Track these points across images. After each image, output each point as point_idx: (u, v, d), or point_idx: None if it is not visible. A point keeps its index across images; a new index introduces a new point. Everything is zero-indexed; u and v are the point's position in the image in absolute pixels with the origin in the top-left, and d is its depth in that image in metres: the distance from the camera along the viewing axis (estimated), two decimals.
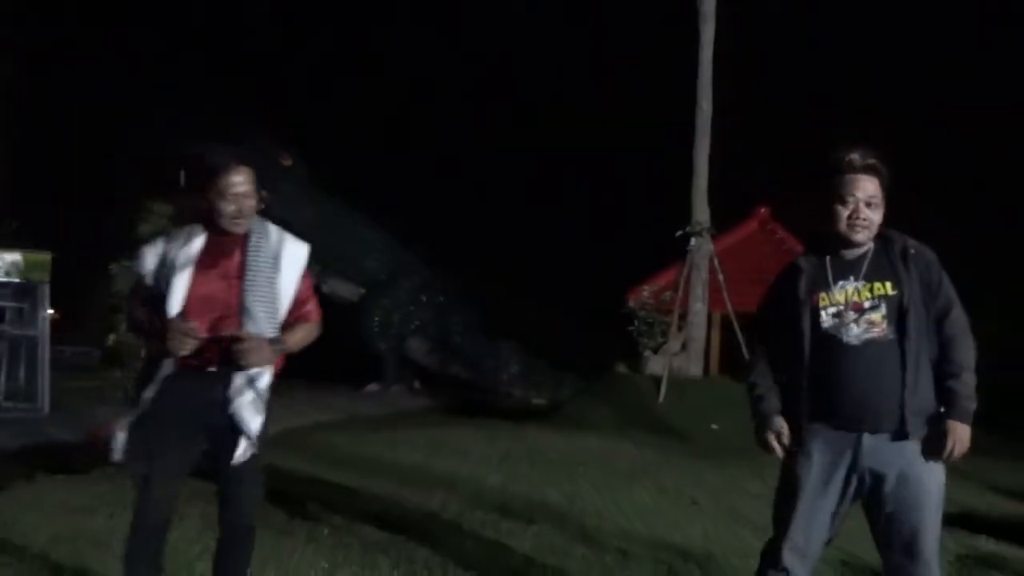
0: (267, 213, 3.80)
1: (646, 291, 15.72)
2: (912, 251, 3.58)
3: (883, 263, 3.59)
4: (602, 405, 12.98)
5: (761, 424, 3.68)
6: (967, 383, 3.50)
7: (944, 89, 26.00)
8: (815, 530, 3.61)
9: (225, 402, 3.61)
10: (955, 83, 26.07)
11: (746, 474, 8.89)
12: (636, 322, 14.60)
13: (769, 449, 3.64)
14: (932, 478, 3.52)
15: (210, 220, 3.71)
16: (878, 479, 3.51)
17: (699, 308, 14.25)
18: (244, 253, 3.72)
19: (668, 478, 8.34)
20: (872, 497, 3.55)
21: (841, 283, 3.59)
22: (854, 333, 3.52)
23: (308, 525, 5.91)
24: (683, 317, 14.18)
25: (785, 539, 3.61)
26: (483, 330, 20.58)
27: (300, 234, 3.89)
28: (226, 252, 3.72)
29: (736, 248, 18.35)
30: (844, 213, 3.55)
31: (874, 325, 3.51)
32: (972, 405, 3.50)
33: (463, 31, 30.17)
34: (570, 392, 15.93)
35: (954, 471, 3.68)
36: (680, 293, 14.06)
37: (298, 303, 3.80)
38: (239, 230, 3.71)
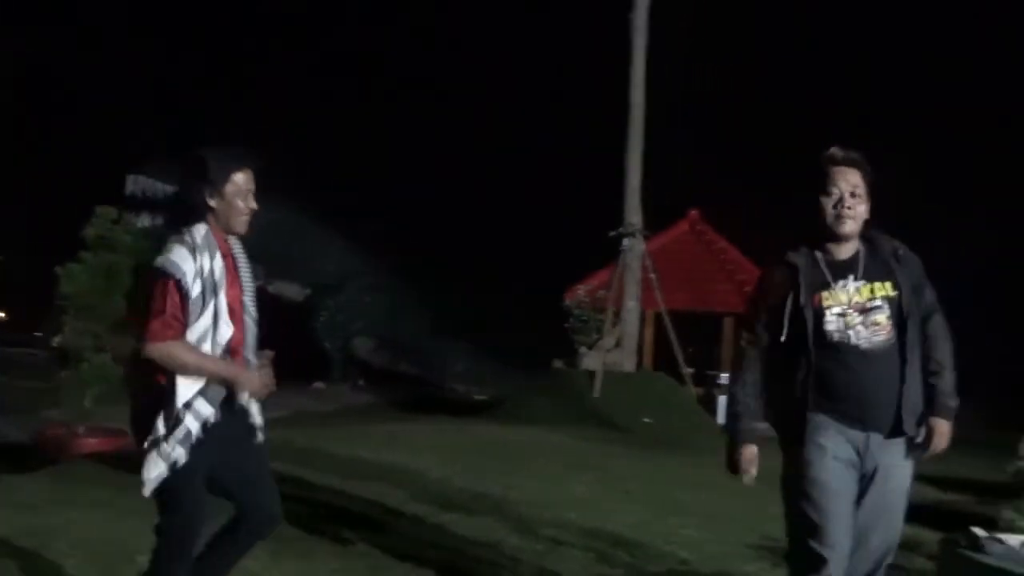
0: None
1: (581, 290, 15.77)
2: (901, 252, 3.57)
3: (878, 263, 3.55)
4: (540, 400, 13.11)
5: (732, 445, 3.59)
6: (949, 381, 3.53)
7: (893, 91, 26.52)
8: (845, 530, 3.44)
9: (244, 410, 3.59)
10: (918, 84, 26.56)
11: (677, 464, 9.17)
12: (572, 319, 14.63)
13: (735, 471, 3.58)
14: (907, 478, 3.56)
15: (212, 220, 3.49)
16: (871, 473, 3.49)
17: (632, 306, 14.43)
18: (232, 254, 3.57)
19: (602, 469, 8.47)
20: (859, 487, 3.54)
21: (842, 282, 3.52)
22: (863, 336, 3.47)
23: None
24: (617, 315, 14.34)
25: (823, 542, 3.40)
26: (429, 329, 20.88)
27: (252, 239, 3.72)
28: (226, 254, 3.53)
29: (667, 249, 18.53)
30: (829, 204, 3.51)
31: (880, 327, 3.47)
32: (953, 403, 3.53)
33: (405, 30, 30.26)
34: (511, 388, 15.87)
35: None
36: (614, 292, 14.20)
37: None
38: (245, 230, 3.56)
